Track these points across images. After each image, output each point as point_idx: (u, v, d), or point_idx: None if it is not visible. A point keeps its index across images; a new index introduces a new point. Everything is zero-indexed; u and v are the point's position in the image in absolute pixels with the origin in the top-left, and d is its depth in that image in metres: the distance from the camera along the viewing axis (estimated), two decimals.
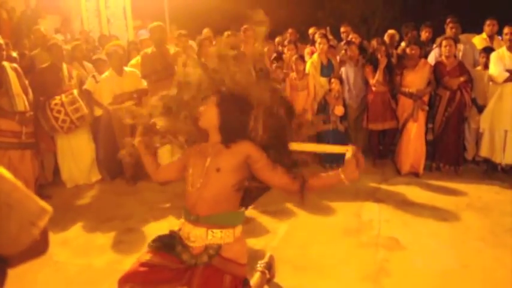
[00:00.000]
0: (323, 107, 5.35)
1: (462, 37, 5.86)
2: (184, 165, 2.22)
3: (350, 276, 3.04)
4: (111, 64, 4.93)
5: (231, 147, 2.06)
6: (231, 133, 2.07)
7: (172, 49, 5.14)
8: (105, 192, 4.99)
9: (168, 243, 2.18)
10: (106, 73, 4.95)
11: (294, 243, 3.54)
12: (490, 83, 4.98)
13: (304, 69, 5.55)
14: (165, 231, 3.74)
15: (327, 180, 2.00)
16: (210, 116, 2.07)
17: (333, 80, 5.33)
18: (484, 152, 5.09)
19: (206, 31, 6.50)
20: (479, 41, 5.88)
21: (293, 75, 5.48)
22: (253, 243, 3.54)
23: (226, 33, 5.79)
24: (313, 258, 3.30)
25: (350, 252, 3.37)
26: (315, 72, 5.52)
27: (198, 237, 2.08)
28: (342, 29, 6.66)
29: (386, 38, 6.05)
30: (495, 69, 4.81)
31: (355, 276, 3.04)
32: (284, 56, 5.92)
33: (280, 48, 6.48)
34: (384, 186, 4.77)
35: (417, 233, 3.67)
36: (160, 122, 2.30)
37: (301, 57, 5.77)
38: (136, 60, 5.48)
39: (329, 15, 16.63)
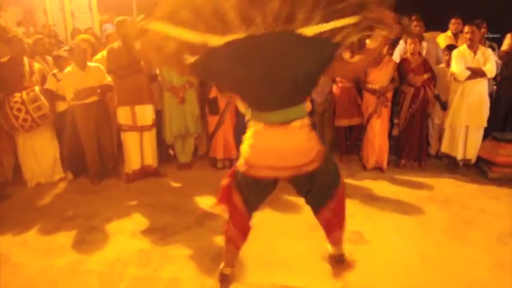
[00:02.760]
0: None
1: (427, 35, 5.99)
2: None
3: (315, 270, 3.07)
4: (73, 59, 4.79)
5: None
6: None
7: (138, 44, 5.03)
8: (68, 191, 4.86)
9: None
10: (68, 68, 4.81)
11: (261, 239, 3.53)
12: (452, 80, 5.11)
13: None
14: (130, 230, 3.72)
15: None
16: None
17: None
18: (444, 148, 5.24)
19: None
20: (443, 38, 6.02)
21: None
22: (220, 239, 3.53)
23: None
24: (279, 253, 3.32)
25: (315, 247, 3.38)
26: None
27: None
28: None
29: None
30: (456, 67, 4.93)
31: (319, 271, 3.06)
32: None
33: None
34: (349, 181, 4.81)
35: (381, 226, 3.74)
36: None
37: None
38: (101, 55, 5.35)
39: None
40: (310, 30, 2.02)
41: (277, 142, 2.23)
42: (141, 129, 4.88)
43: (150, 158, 5.00)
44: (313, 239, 3.52)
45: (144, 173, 5.00)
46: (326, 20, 2.01)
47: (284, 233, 3.64)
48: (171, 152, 5.66)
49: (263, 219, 3.91)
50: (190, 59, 2.11)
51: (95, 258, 3.34)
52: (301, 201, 4.21)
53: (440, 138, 5.41)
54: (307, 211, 4.03)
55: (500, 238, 3.54)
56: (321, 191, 2.49)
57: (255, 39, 2.00)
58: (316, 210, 2.61)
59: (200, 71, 2.18)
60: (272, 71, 2.04)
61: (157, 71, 5.22)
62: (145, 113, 4.86)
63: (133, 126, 4.83)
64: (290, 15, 1.98)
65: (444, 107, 5.28)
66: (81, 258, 3.34)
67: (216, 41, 2.00)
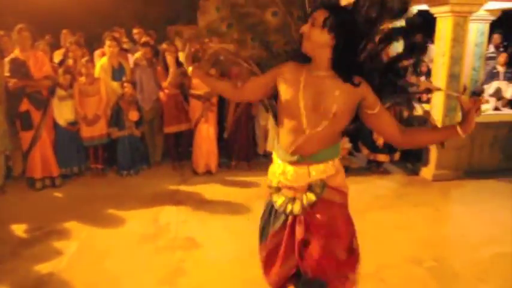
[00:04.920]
0: (117, 113, 5.14)
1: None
2: (268, 86, 2.00)
3: (146, 283, 2.99)
4: None
5: (345, 84, 1.78)
6: (347, 67, 1.79)
7: None
8: None
9: (268, 222, 2.14)
10: None
11: (86, 261, 3.30)
12: None
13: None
14: None
15: (438, 134, 1.88)
16: (320, 40, 1.75)
17: (125, 84, 5.16)
18: (270, 146, 5.64)
19: None
20: None
21: (82, 79, 5.10)
22: (39, 268, 3.17)
23: None
24: (108, 272, 3.13)
25: (146, 259, 3.31)
26: (105, 76, 5.26)
27: (300, 176, 1.93)
28: (135, 31, 6.57)
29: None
30: None
31: (151, 282, 3.00)
32: (70, 59, 5.49)
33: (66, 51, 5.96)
34: (182, 188, 4.84)
35: (212, 229, 3.83)
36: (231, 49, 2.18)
37: (92, 61, 5.45)
38: None
39: (133, 16, 16.09)
40: None
41: None
42: None
43: None
44: (144, 251, 3.44)
45: None
46: None
47: (112, 250, 3.44)
48: None
49: (88, 238, 3.67)
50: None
51: None
52: (126, 214, 4.11)
53: (266, 138, 5.80)
54: (137, 223, 3.93)
55: None
56: None
57: None
58: None
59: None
60: None
61: None
62: None
63: None
64: None
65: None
66: None
67: None
